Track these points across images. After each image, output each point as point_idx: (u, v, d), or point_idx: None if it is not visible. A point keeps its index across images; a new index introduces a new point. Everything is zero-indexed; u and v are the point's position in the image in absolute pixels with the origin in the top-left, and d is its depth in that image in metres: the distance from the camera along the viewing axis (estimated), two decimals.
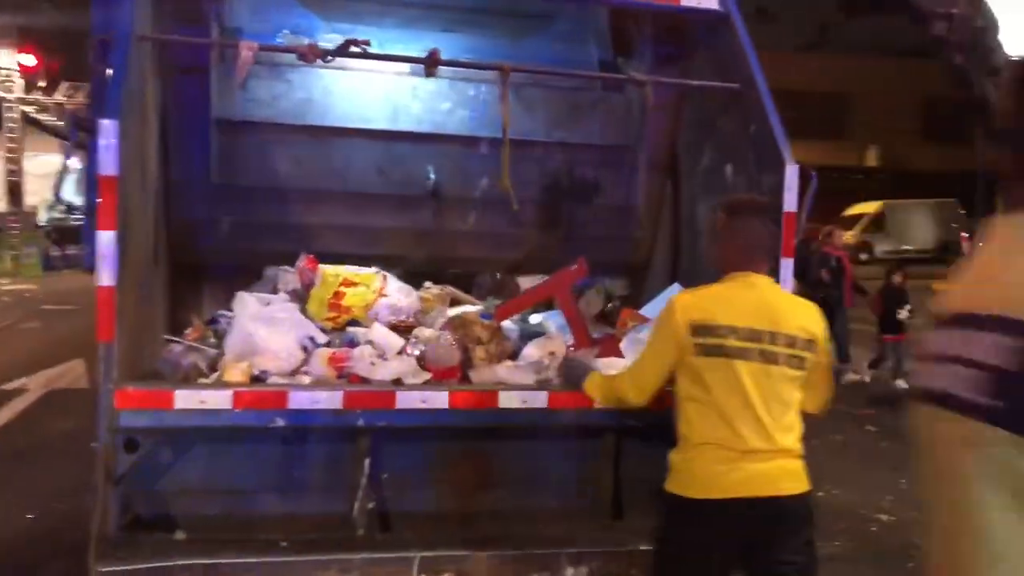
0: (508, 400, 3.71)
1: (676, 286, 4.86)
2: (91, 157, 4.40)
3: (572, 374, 3.59)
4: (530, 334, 4.44)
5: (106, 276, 3.32)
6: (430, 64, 3.95)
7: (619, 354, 4.06)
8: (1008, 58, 11.24)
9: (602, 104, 5.02)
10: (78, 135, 4.16)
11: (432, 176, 4.83)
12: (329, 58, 3.87)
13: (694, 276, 4.85)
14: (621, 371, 3.35)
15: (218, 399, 3.45)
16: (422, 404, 3.62)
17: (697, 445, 2.95)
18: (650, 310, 4.80)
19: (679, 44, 4.95)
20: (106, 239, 3.33)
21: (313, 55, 3.82)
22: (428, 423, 3.64)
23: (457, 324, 4.00)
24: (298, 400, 3.52)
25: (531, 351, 4.02)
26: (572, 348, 4.14)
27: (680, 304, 3.08)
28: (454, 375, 3.83)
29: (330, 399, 3.54)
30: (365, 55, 3.83)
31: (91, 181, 4.32)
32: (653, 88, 4.26)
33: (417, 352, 3.83)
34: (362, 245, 4.77)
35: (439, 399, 3.64)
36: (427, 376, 3.69)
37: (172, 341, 4.00)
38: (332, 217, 4.78)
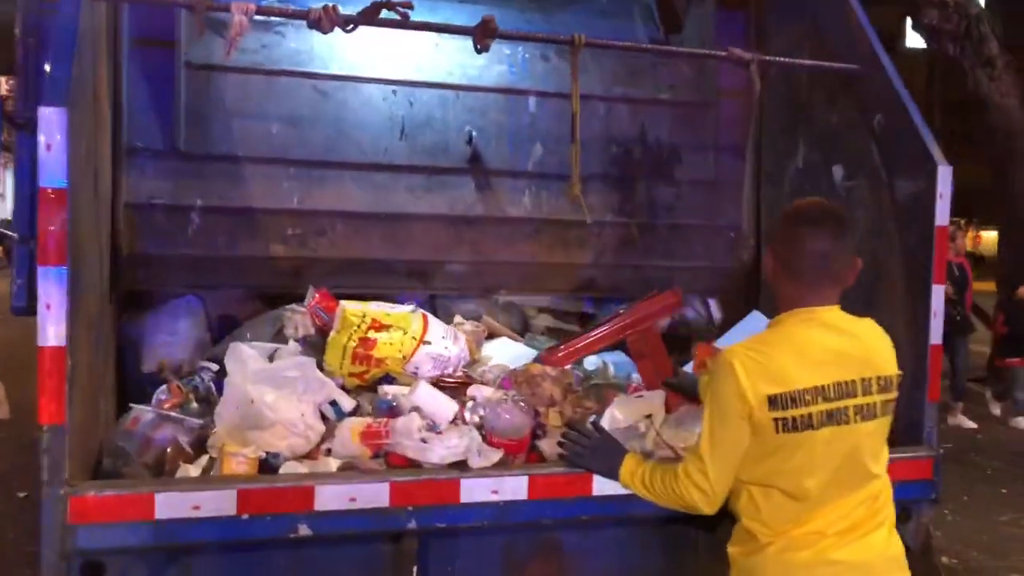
0: (604, 484, 2.78)
1: (756, 314, 3.98)
2: (23, 161, 3.37)
3: (597, 454, 2.67)
4: (592, 385, 3.52)
5: (53, 333, 2.33)
6: (482, 36, 2.98)
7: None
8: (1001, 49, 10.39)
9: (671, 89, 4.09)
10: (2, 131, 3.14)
11: (474, 135, 3.80)
12: (351, 27, 2.89)
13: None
14: (681, 465, 2.40)
15: (218, 502, 2.46)
16: (493, 496, 2.68)
17: (770, 541, 2.27)
18: (728, 342, 3.93)
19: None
20: (52, 281, 2.32)
21: (330, 22, 2.83)
22: (499, 520, 2.69)
23: (521, 379, 3.05)
24: (328, 498, 2.55)
25: (618, 413, 3.08)
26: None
27: (742, 370, 2.24)
28: (523, 449, 2.88)
29: (373, 494, 2.58)
30: (403, 23, 2.85)
31: (24, 193, 3.29)
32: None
33: (476, 418, 2.88)
34: (382, 247, 3.75)
35: (516, 487, 2.70)
36: (496, 454, 2.73)
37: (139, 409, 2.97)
38: (338, 200, 3.68)
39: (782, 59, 3.45)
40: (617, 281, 3.96)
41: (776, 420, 2.21)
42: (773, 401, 2.20)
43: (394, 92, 3.72)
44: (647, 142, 4.02)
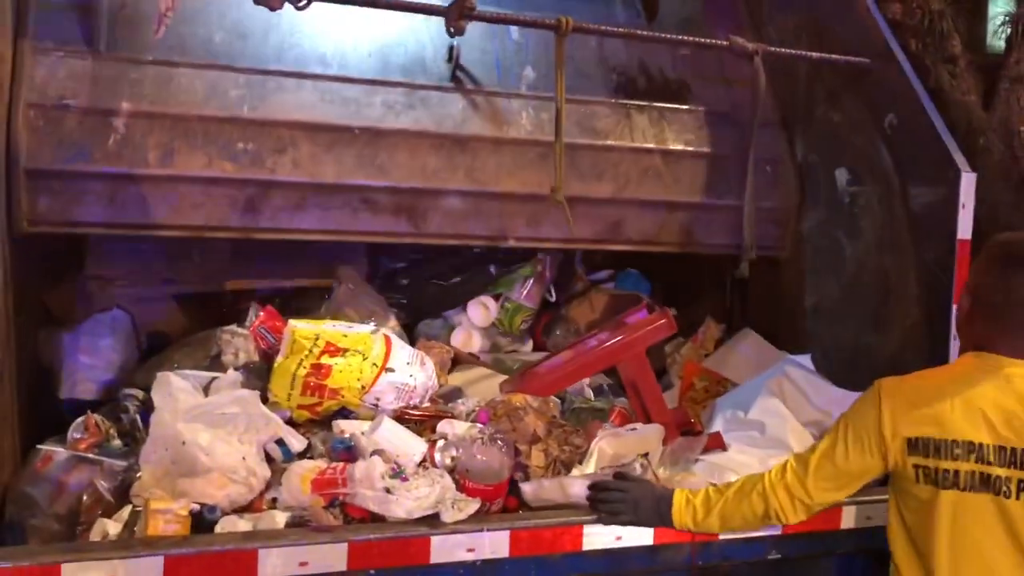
0: (595, 537, 2.42)
1: (749, 332, 3.66)
2: None
3: (640, 505, 2.36)
4: (572, 410, 3.15)
5: None
6: (457, 16, 2.59)
7: (722, 445, 2.81)
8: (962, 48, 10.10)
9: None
10: None
11: (456, 48, 3.13)
12: (303, 3, 2.47)
13: (771, 315, 3.67)
14: (770, 472, 2.29)
15: (139, 570, 2.04)
16: (469, 555, 2.30)
17: None
18: (720, 362, 3.59)
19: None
20: None
21: None
22: None
23: (501, 411, 2.67)
24: (275, 564, 2.15)
25: (607, 448, 2.71)
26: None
27: (888, 403, 2.09)
28: (501, 494, 2.50)
29: (328, 557, 2.19)
30: (367, 1, 2.43)
31: None
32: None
33: (447, 460, 2.48)
34: (358, 170, 2.95)
35: (496, 544, 2.33)
36: (472, 504, 2.34)
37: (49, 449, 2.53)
38: (299, 111, 2.91)
39: (789, 51, 3.11)
40: (647, 226, 3.33)
41: (917, 468, 2.06)
42: (913, 445, 2.06)
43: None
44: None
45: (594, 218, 3.20)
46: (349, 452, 2.47)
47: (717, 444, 2.78)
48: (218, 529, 2.26)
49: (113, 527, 2.32)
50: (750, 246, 3.09)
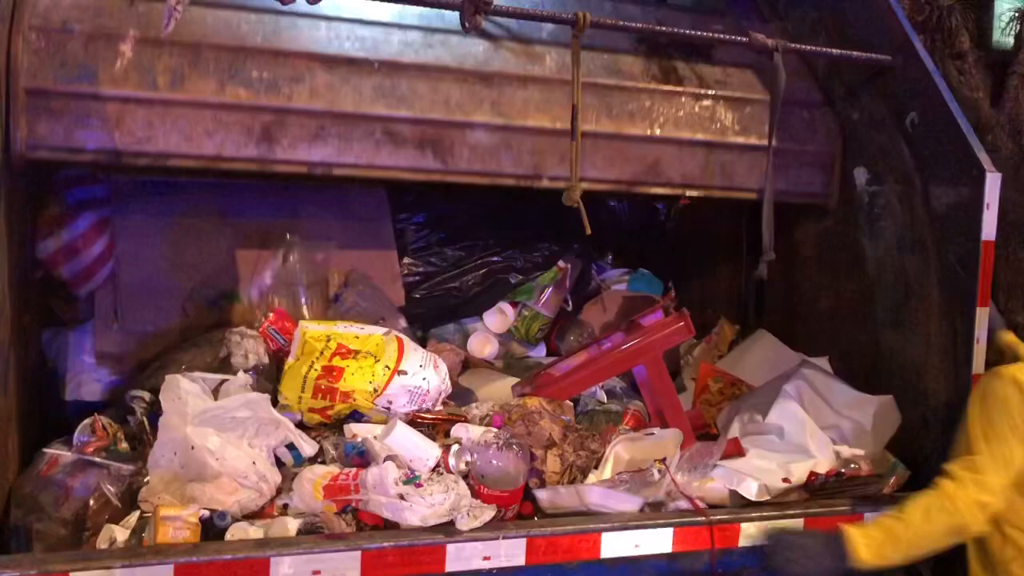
0: (614, 544, 2.37)
1: (764, 333, 3.60)
2: None
3: (816, 552, 2.33)
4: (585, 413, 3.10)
5: None
6: (473, 11, 2.53)
7: (741, 452, 2.76)
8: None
9: None
10: None
11: None
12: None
13: (787, 316, 3.61)
14: (944, 489, 2.33)
15: None
16: (485, 563, 2.25)
17: None
18: (734, 363, 3.54)
19: None
20: None
21: None
22: None
23: (516, 416, 2.61)
24: (287, 572, 2.10)
25: (623, 453, 2.66)
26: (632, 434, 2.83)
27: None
28: (516, 500, 2.44)
29: (341, 566, 2.14)
30: None
31: None
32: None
33: (462, 466, 2.43)
34: (379, 100, 2.77)
35: (512, 551, 2.28)
36: (488, 512, 2.29)
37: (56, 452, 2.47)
38: (314, 45, 2.74)
39: (809, 47, 3.04)
40: (689, 168, 3.12)
41: None
42: None
43: None
44: None
45: (630, 158, 3.04)
46: (362, 457, 2.42)
47: (735, 451, 2.72)
48: (228, 536, 2.21)
49: (121, 533, 2.27)
50: (768, 247, 3.01)
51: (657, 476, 2.54)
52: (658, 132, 3.04)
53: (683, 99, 3.10)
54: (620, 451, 2.68)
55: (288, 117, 2.65)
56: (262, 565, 2.07)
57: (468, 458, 2.44)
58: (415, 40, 2.86)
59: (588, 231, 2.72)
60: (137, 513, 2.33)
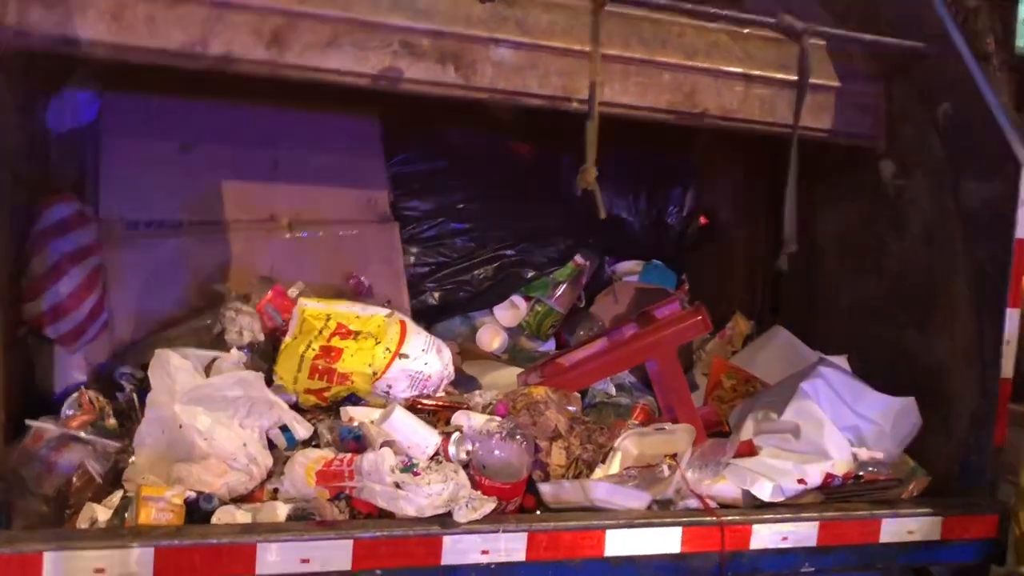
0: (619, 542, 2.25)
1: (780, 329, 3.47)
2: None
3: None
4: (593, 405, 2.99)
5: None
6: None
7: (753, 452, 2.64)
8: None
9: None
10: None
11: None
12: None
13: (804, 312, 3.49)
14: None
15: (129, 566, 1.89)
16: (483, 557, 2.14)
17: None
18: (749, 359, 3.41)
19: None
20: None
21: None
22: None
23: (521, 405, 2.50)
24: (274, 559, 2.00)
25: (632, 448, 2.54)
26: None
27: None
28: (518, 493, 2.33)
29: (332, 555, 2.03)
30: None
31: None
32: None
33: (462, 455, 2.32)
34: (394, 9, 2.58)
35: (512, 546, 2.17)
36: (488, 504, 2.18)
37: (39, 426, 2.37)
38: None
39: (840, 31, 2.91)
40: (727, 99, 2.95)
41: None
42: None
43: None
44: None
45: (665, 86, 2.86)
46: (358, 442, 2.31)
47: (747, 451, 2.61)
48: (215, 520, 2.11)
49: (103, 513, 2.17)
50: (790, 238, 2.86)
51: (667, 473, 2.43)
52: (693, 61, 2.87)
53: (718, 34, 2.94)
54: (628, 446, 2.56)
55: (300, 20, 2.49)
56: (248, 551, 1.97)
57: (469, 447, 2.33)
58: None
59: (602, 214, 2.59)
60: (120, 492, 2.23)
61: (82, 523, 2.16)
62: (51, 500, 2.27)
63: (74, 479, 2.30)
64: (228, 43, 2.42)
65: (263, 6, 2.44)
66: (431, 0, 2.61)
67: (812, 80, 2.83)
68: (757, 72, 2.93)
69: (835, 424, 2.76)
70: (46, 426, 2.37)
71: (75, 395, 2.51)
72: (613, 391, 3.11)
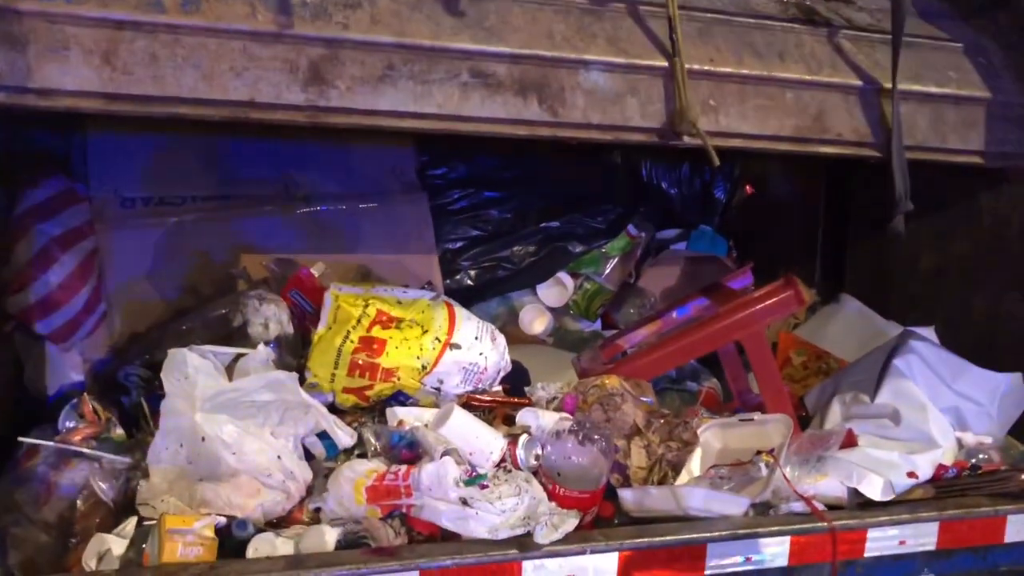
0: (722, 559, 1.94)
1: (848, 297, 3.16)
2: None
3: None
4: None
5: None
6: None
7: (853, 442, 2.32)
8: None
9: None
10: None
11: None
12: None
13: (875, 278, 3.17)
14: None
15: None
16: None
17: None
18: (815, 332, 3.10)
19: None
20: None
21: None
22: None
23: (592, 398, 2.16)
24: None
25: (712, 442, 2.22)
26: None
27: None
28: (596, 502, 2.00)
29: None
30: None
31: None
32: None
33: (533, 460, 1.99)
34: (460, 31, 2.11)
35: (602, 568, 1.84)
36: (571, 520, 1.85)
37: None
38: None
39: None
40: (858, 121, 2.51)
41: None
42: None
43: None
44: None
45: (788, 108, 2.41)
46: (411, 450, 1.97)
47: (850, 442, 2.29)
48: (251, 551, 1.77)
49: (116, 544, 1.83)
50: (903, 196, 2.48)
51: (763, 471, 2.10)
52: (819, 76, 2.42)
53: (836, 39, 2.50)
54: (710, 439, 2.24)
55: (344, 51, 2.00)
56: None
57: (539, 451, 2.00)
58: None
59: (716, 162, 2.19)
60: (135, 519, 1.89)
61: (90, 557, 1.82)
62: (52, 527, 1.95)
63: (78, 503, 1.98)
64: (254, 86, 1.94)
65: (301, 35, 1.96)
66: (502, 15, 2.15)
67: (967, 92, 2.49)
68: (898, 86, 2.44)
69: (934, 404, 2.46)
70: (43, 442, 2.03)
71: (74, 403, 2.16)
72: (673, 373, 2.79)
